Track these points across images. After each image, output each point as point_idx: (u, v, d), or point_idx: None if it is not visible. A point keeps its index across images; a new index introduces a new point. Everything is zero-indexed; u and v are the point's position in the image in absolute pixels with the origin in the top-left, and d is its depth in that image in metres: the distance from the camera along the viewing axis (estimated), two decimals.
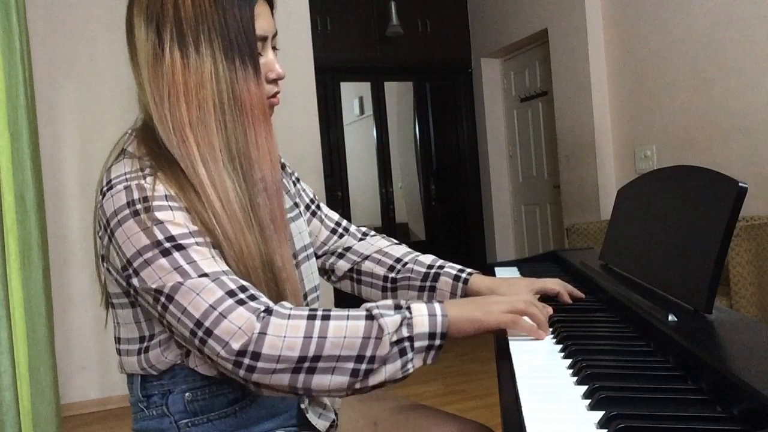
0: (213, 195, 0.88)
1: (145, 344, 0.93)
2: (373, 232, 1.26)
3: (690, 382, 0.69)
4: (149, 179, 0.88)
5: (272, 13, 0.99)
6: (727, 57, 3.11)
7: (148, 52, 0.91)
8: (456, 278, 1.13)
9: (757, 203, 2.94)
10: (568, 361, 0.79)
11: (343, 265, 1.21)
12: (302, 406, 1.00)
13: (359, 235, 1.24)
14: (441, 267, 1.15)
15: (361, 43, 4.90)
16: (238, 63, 0.91)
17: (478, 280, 1.13)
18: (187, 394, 0.93)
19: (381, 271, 1.17)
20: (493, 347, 0.91)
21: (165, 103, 0.90)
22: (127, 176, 0.88)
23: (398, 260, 1.17)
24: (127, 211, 0.86)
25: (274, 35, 0.98)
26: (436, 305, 0.86)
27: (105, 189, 0.89)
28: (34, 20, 2.84)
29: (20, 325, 2.26)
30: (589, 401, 0.65)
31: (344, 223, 1.25)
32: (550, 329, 0.95)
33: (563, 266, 1.57)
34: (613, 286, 1.10)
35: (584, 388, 0.68)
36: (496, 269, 1.59)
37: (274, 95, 0.99)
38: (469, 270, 1.15)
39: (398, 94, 5.47)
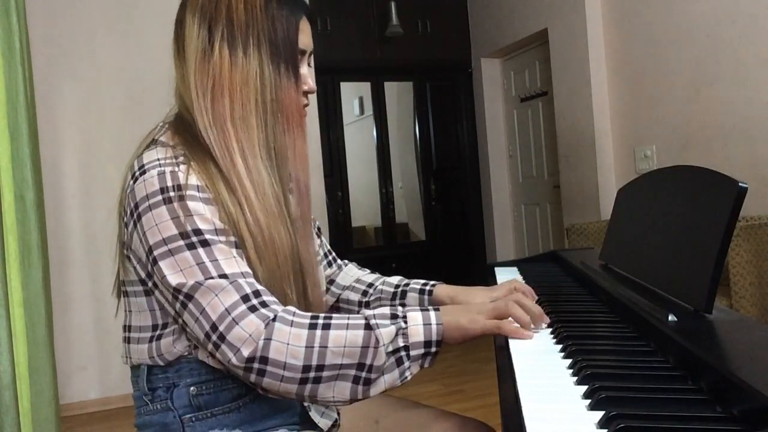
0: (249, 185, 0.91)
1: (158, 332, 0.94)
2: (346, 262, 1.30)
3: (690, 382, 0.69)
4: (183, 167, 0.90)
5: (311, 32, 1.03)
6: (727, 57, 3.11)
7: (197, 47, 0.95)
8: (421, 292, 1.16)
9: (757, 203, 2.94)
10: (568, 361, 0.79)
11: (329, 300, 1.24)
12: (305, 404, 1.00)
13: (341, 264, 1.28)
14: (407, 285, 1.18)
15: (361, 43, 4.90)
16: (282, 69, 0.96)
17: (440, 290, 1.15)
18: (192, 388, 0.94)
19: (356, 297, 1.21)
20: (493, 347, 0.91)
21: (207, 96, 0.94)
22: (161, 162, 0.90)
23: (370, 285, 1.21)
24: (159, 197, 0.87)
25: (311, 53, 1.03)
26: (432, 314, 0.88)
27: (137, 173, 0.90)
28: (34, 20, 2.84)
29: (20, 325, 2.26)
30: (589, 401, 0.65)
31: (333, 253, 1.28)
32: (549, 328, 0.95)
33: (563, 266, 1.57)
34: (613, 286, 1.10)
35: (584, 388, 0.68)
36: (496, 269, 1.59)
37: (304, 107, 1.03)
38: (432, 282, 1.18)
39: (398, 94, 5.47)
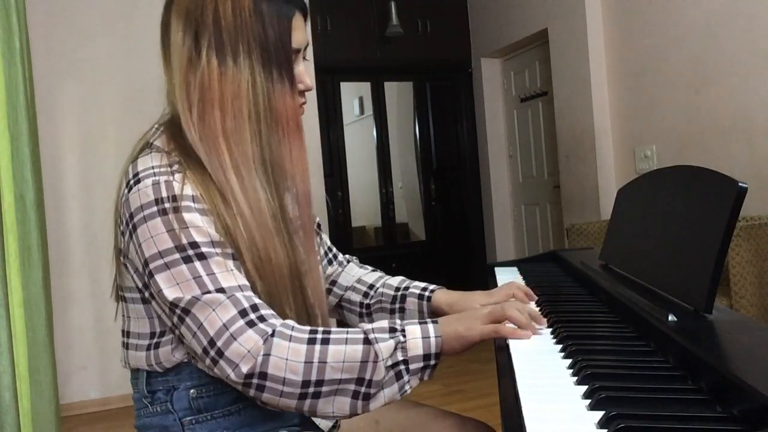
0: (243, 203, 0.88)
1: (155, 340, 0.93)
2: (348, 258, 1.27)
3: (690, 382, 0.69)
4: (178, 176, 0.87)
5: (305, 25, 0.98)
6: (727, 57, 3.11)
7: (183, 55, 0.90)
8: (420, 297, 1.14)
9: (757, 203, 2.93)
10: (568, 361, 0.79)
11: (331, 300, 1.22)
12: None
13: (342, 261, 1.25)
14: (407, 288, 1.16)
15: (361, 43, 4.90)
16: (275, 75, 0.91)
17: (439, 295, 1.13)
18: (192, 390, 0.93)
19: (357, 298, 1.19)
20: (493, 347, 0.91)
21: (195, 109, 0.89)
22: (155, 170, 0.87)
23: (371, 286, 1.18)
24: (154, 209, 0.85)
25: (305, 47, 0.98)
26: (430, 327, 0.87)
27: (132, 182, 0.87)
28: (34, 20, 2.84)
29: (20, 325, 2.26)
30: (589, 401, 0.65)
31: (334, 249, 1.26)
32: (549, 328, 0.95)
33: (563, 266, 1.57)
34: (613, 286, 1.10)
35: (584, 388, 0.68)
36: (496, 269, 1.59)
37: (301, 105, 0.99)
38: (432, 287, 1.16)
39: (398, 94, 5.47)
